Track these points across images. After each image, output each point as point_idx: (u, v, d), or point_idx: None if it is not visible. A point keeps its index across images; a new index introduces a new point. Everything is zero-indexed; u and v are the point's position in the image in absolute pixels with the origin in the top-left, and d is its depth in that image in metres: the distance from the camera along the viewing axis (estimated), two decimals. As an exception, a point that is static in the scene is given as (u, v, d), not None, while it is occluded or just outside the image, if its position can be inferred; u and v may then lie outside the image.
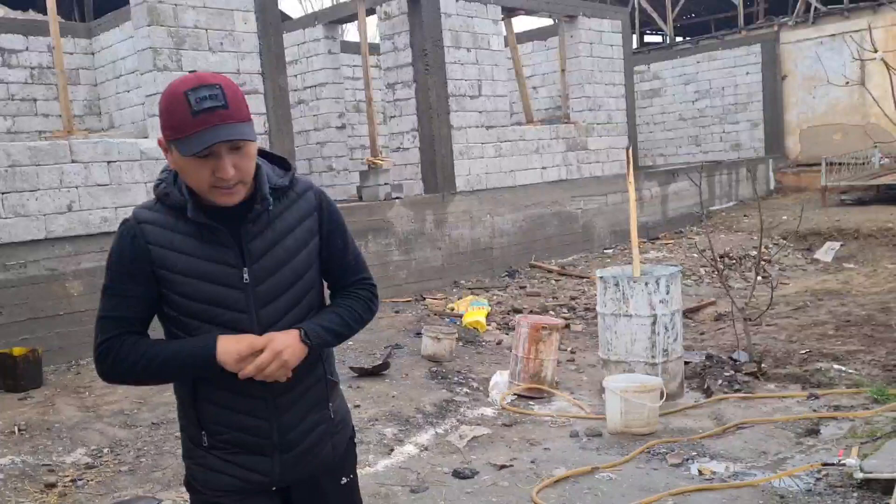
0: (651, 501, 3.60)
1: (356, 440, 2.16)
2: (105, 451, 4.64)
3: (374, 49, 12.06)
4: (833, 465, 3.64)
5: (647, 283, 5.28)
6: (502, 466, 4.23)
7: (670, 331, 5.35)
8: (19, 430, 4.96)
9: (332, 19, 11.94)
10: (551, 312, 8.47)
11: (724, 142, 17.46)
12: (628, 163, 5.82)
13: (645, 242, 12.66)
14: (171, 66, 7.32)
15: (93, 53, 11.04)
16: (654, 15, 20.18)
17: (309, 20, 12.40)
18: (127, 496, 4.01)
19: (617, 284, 5.39)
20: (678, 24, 22.42)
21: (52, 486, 4.13)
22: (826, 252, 11.57)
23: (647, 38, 24.54)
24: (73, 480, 4.22)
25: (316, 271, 1.94)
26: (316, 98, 12.11)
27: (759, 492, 3.62)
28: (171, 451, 4.61)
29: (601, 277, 5.54)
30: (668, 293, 5.32)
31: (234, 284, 1.82)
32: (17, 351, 6.02)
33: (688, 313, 8.75)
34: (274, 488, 1.94)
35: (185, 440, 1.97)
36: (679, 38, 22.94)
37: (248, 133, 1.73)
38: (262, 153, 1.89)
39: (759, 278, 10.50)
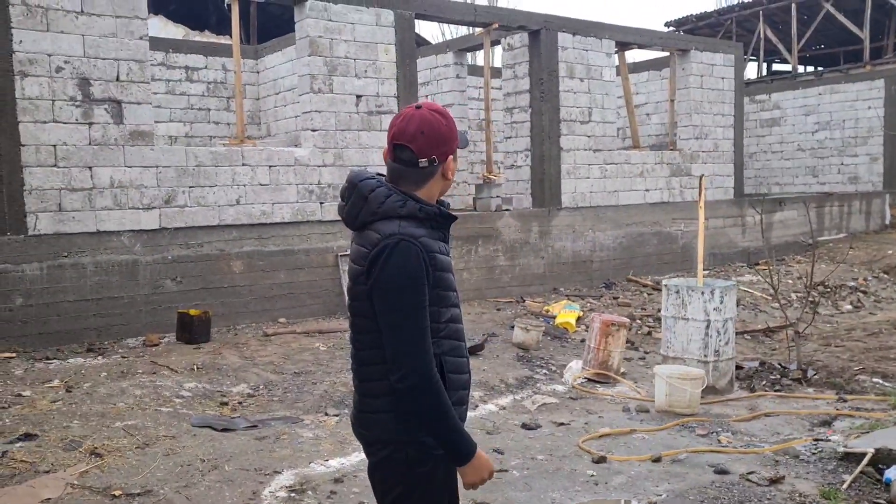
0: (670, 454, 4.60)
1: None
2: (261, 387, 6.09)
3: (496, 74, 13.32)
4: (822, 440, 4.52)
5: (702, 293, 6.22)
6: (560, 424, 5.34)
7: (722, 335, 6.26)
8: (197, 368, 6.51)
9: (462, 47, 13.33)
10: (638, 321, 9.41)
11: (841, 174, 17.55)
12: (700, 190, 6.74)
13: (743, 266, 13.26)
14: (324, 90, 8.84)
15: (258, 72, 12.93)
16: (780, 46, 20.41)
17: (441, 47, 13.85)
18: (279, 415, 5.41)
19: (678, 292, 6.36)
20: (806, 55, 22.42)
21: (224, 404, 5.61)
22: (925, 287, 11.79)
23: (775, 67, 24.61)
24: (239, 402, 5.68)
25: None
26: (443, 117, 13.49)
27: (760, 457, 4.55)
28: (308, 391, 6.00)
29: (665, 286, 6.52)
30: (721, 302, 6.23)
31: (453, 274, 2.23)
32: (193, 312, 7.65)
33: (767, 332, 9.48)
34: None
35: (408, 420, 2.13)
36: (809, 68, 22.93)
37: None
38: None
39: (850, 307, 11.02)
